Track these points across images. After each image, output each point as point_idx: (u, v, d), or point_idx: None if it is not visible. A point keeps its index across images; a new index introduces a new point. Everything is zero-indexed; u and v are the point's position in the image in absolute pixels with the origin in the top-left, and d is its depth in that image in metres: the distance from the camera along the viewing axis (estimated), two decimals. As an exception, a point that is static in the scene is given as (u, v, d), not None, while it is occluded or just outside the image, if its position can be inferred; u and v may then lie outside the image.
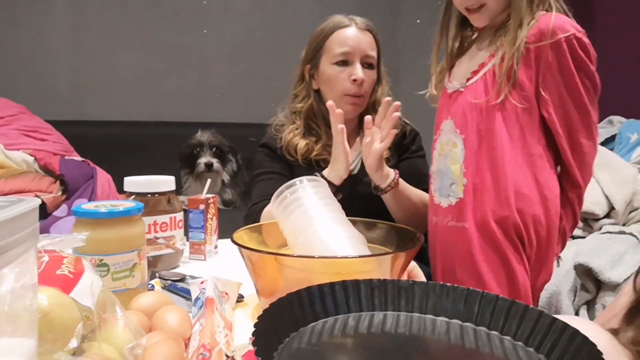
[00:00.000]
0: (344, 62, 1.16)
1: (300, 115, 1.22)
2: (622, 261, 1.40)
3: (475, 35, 0.99)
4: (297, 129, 1.21)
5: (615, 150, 1.88)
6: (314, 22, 1.21)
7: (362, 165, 1.21)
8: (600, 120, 2.09)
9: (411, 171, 1.18)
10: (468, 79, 0.94)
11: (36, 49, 2.39)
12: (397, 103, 1.01)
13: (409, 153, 1.25)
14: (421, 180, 1.18)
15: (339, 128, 1.02)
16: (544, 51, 0.84)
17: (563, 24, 0.85)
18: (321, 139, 1.21)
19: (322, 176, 1.06)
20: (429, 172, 1.25)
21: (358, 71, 1.15)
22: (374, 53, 1.18)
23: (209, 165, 2.17)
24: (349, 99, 1.17)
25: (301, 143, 1.19)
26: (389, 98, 1.03)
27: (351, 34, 1.16)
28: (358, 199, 1.08)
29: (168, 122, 2.50)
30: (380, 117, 1.02)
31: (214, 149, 2.23)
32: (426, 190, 1.16)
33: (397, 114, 1.00)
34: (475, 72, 0.93)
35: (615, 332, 0.61)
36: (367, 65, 1.17)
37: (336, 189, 1.04)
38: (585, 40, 0.86)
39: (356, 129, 1.26)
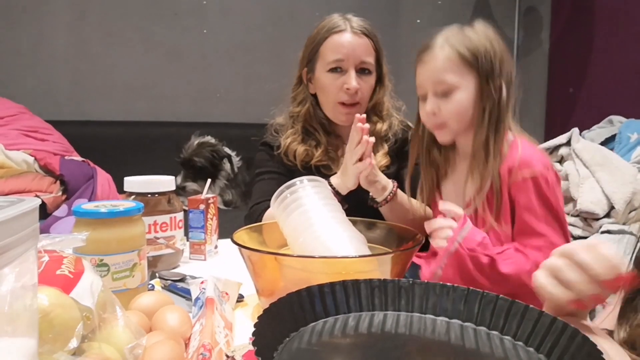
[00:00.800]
0: (338, 69, 1.12)
1: (298, 119, 1.20)
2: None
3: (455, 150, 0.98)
4: (295, 133, 1.19)
5: (615, 149, 1.88)
6: (314, 22, 1.20)
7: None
8: (601, 119, 2.09)
9: (412, 180, 1.16)
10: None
11: (36, 49, 2.39)
12: (365, 126, 0.95)
13: (409, 161, 1.22)
14: None
15: (358, 150, 0.96)
16: (511, 186, 0.87)
17: (530, 160, 0.86)
18: (320, 144, 1.18)
19: (329, 183, 1.03)
20: None
21: (351, 80, 1.10)
22: (370, 58, 1.13)
23: (181, 188, 2.13)
24: (343, 107, 1.14)
25: (300, 149, 1.16)
26: (359, 120, 0.96)
27: (345, 40, 1.12)
28: (359, 206, 1.04)
29: (168, 122, 2.50)
30: (353, 143, 0.98)
31: (195, 166, 2.17)
32: None
33: (372, 139, 0.95)
34: (467, 205, 0.93)
35: (610, 333, 0.60)
36: (362, 71, 1.13)
37: (341, 198, 1.01)
38: (551, 177, 0.87)
39: None
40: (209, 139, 2.25)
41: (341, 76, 1.12)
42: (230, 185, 2.26)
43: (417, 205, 1.11)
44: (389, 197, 1.04)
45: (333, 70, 1.12)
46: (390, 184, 1.05)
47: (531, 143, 0.91)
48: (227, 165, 2.24)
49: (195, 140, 2.22)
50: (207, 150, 2.20)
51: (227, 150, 2.27)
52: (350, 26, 1.13)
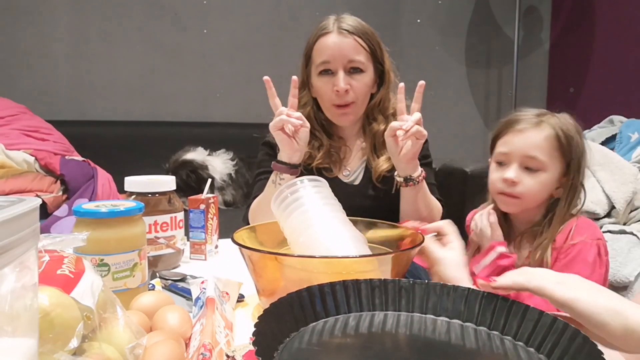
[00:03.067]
0: (328, 71, 1.12)
1: None
2: (629, 258, 1.41)
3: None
4: None
5: (616, 149, 1.88)
6: (314, 22, 1.20)
7: (364, 177, 1.18)
8: (601, 119, 2.09)
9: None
10: None
11: (36, 49, 2.39)
12: (421, 82, 1.00)
13: None
14: None
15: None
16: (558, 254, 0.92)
17: (580, 231, 0.92)
18: (323, 146, 1.18)
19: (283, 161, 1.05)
20: (433, 180, 1.23)
21: (340, 81, 1.10)
22: (360, 57, 1.11)
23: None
24: (337, 108, 1.13)
25: None
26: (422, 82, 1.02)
27: (330, 42, 1.11)
28: (359, 211, 1.05)
29: (168, 122, 2.50)
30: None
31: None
32: None
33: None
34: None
35: None
36: (353, 70, 1.12)
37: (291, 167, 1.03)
38: (590, 250, 0.90)
39: (357, 135, 1.22)
40: (196, 156, 2.17)
41: (332, 78, 1.12)
42: (231, 185, 2.26)
43: (434, 199, 1.12)
44: (418, 178, 1.03)
45: (323, 73, 1.12)
46: (419, 167, 1.05)
47: (587, 220, 0.95)
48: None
49: (181, 156, 2.16)
50: (186, 171, 2.10)
51: (210, 171, 2.16)
52: (338, 27, 1.12)
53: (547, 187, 0.91)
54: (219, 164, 2.22)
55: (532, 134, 0.91)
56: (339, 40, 1.10)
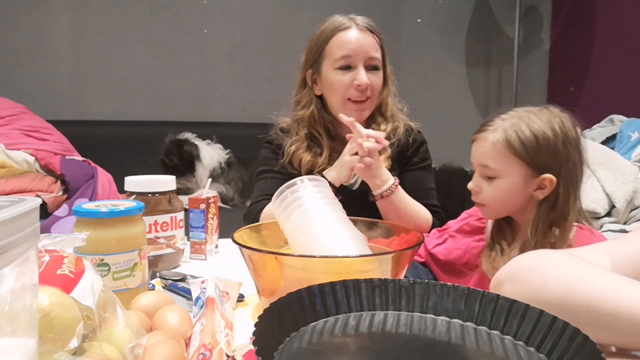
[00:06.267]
0: (347, 67, 1.11)
1: (303, 124, 1.19)
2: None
3: None
4: (299, 140, 1.18)
5: (616, 148, 1.88)
6: (314, 22, 1.20)
7: (363, 180, 1.19)
8: (601, 119, 2.09)
9: (411, 184, 1.14)
10: None
11: (36, 49, 2.39)
12: (370, 132, 1.01)
13: (409, 165, 1.20)
14: (420, 194, 1.14)
15: (355, 147, 1.01)
16: None
17: None
18: (323, 150, 1.17)
19: (323, 176, 1.05)
20: (432, 184, 1.22)
21: (362, 76, 1.10)
22: (378, 54, 1.13)
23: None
24: (352, 104, 1.13)
25: (305, 157, 1.16)
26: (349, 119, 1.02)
27: (352, 36, 1.11)
28: (358, 214, 1.05)
29: (168, 122, 2.50)
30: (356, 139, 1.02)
31: (169, 166, 2.19)
32: (426, 204, 1.14)
33: (372, 144, 0.99)
34: None
35: None
36: (372, 67, 1.13)
37: (335, 190, 1.01)
38: None
39: None
40: (183, 136, 2.26)
41: (350, 72, 1.11)
42: (222, 177, 2.26)
43: (419, 208, 1.11)
44: (385, 193, 1.04)
45: (342, 67, 1.12)
46: (390, 181, 1.06)
47: (590, 231, 0.90)
48: (200, 170, 2.23)
49: (168, 139, 2.23)
50: (174, 148, 2.21)
51: (199, 150, 2.25)
52: (355, 23, 1.13)
53: (509, 193, 0.86)
54: (208, 149, 2.27)
55: (482, 142, 0.88)
56: (361, 36, 1.12)
